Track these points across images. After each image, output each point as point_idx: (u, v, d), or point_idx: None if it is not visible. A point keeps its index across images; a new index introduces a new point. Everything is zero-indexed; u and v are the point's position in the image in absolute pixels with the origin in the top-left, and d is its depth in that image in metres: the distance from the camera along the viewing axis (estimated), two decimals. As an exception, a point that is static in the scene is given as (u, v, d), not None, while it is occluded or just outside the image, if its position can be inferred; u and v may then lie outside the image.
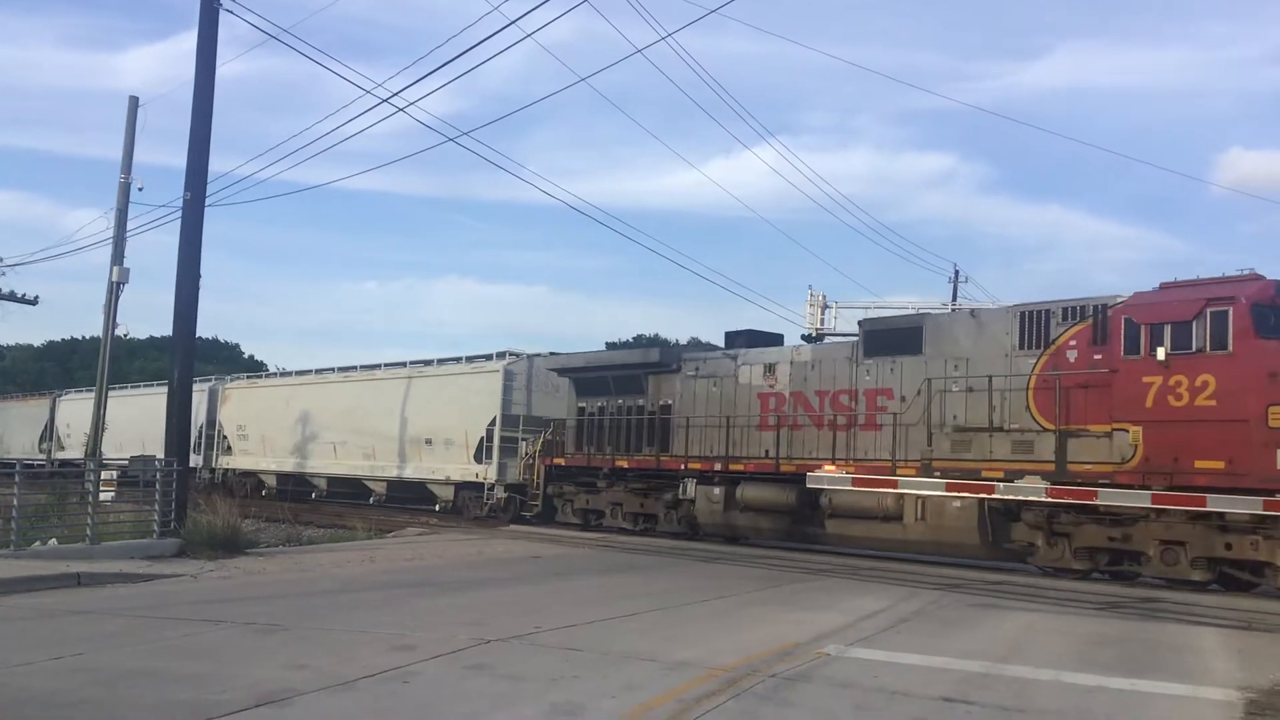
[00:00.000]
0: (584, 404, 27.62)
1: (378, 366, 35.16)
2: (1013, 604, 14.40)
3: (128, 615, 11.33)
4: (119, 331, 29.14)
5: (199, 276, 19.97)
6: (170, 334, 21.20)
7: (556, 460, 27.49)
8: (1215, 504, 15.99)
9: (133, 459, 36.98)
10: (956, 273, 42.60)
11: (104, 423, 29.41)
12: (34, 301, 34.64)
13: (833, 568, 18.66)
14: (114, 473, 22.97)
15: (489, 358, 30.97)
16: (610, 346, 30.90)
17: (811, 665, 9.34)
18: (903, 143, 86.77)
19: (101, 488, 18.89)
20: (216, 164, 20.72)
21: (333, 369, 37.43)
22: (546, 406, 30.07)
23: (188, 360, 20.66)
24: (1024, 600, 14.84)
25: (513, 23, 19.51)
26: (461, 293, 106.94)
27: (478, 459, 30.19)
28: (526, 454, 29.39)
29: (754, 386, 23.51)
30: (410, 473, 32.54)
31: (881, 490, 19.79)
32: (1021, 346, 18.90)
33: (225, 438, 41.95)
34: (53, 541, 17.01)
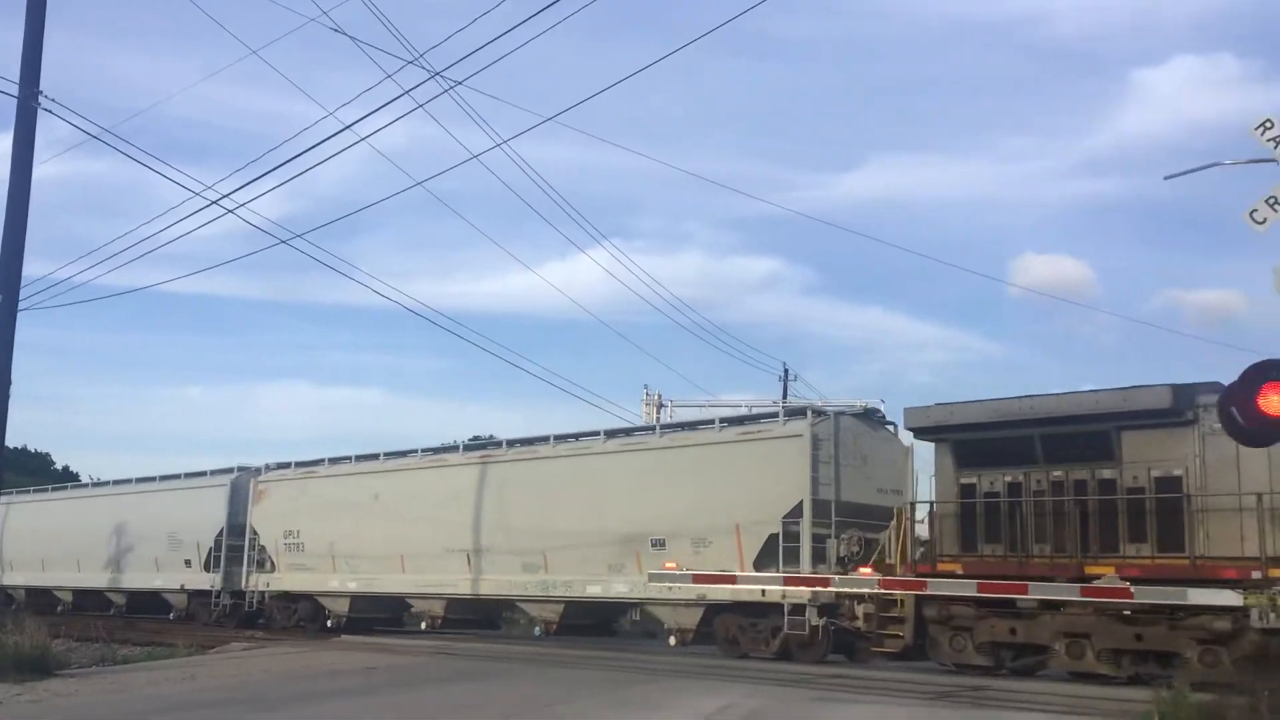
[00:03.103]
0: (971, 479, 18.52)
1: (544, 440, 25.08)
2: (852, 697, 14.60)
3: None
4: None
5: (9, 384, 18.97)
6: (-24, 445, 19.91)
7: (946, 565, 18.07)
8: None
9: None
10: (786, 371, 41.60)
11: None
12: None
13: (676, 668, 18.34)
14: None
15: (773, 417, 21.42)
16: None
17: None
18: (731, 247, 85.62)
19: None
20: (31, 268, 20.06)
21: (456, 447, 27.16)
22: (857, 487, 20.77)
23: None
24: (862, 693, 15.02)
25: (348, 127, 18.75)
26: (294, 396, 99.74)
27: (760, 566, 20.50)
28: (843, 557, 19.97)
29: (1386, 439, 14.65)
30: (623, 588, 22.49)
31: None
32: None
33: (262, 548, 30.96)
34: None
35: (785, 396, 40.36)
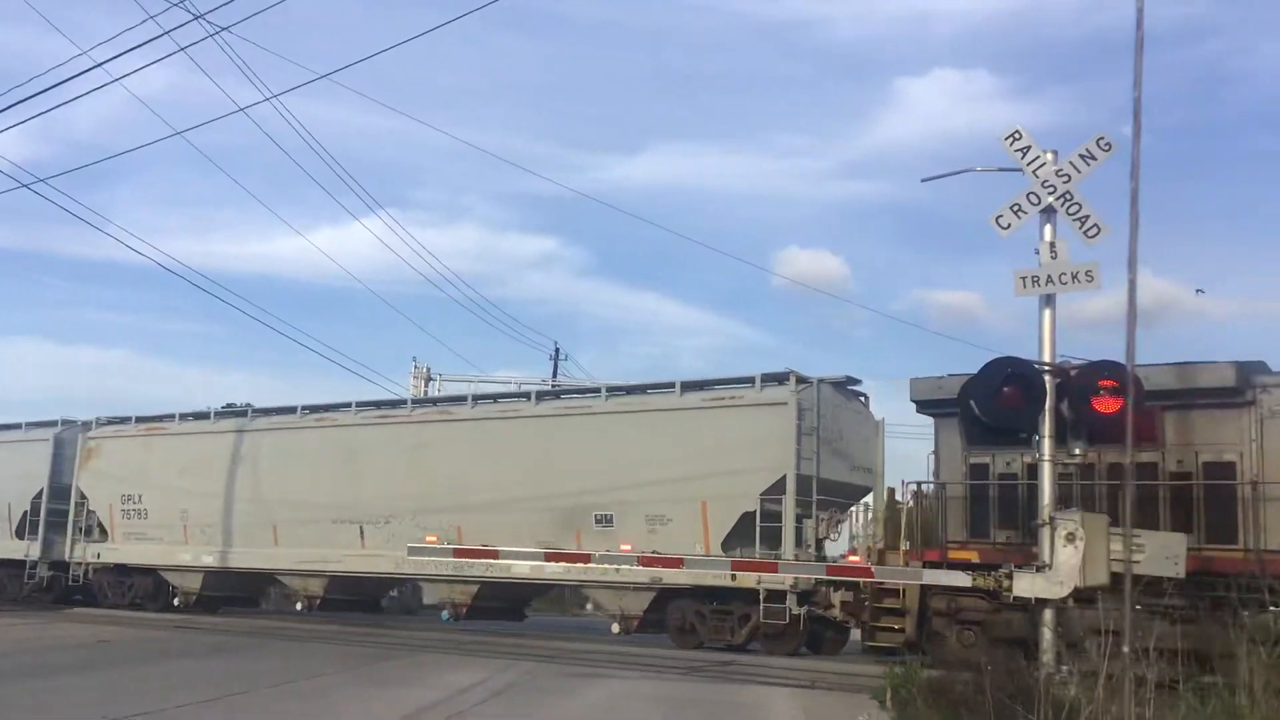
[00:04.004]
0: (983, 459, 16.92)
1: (461, 400, 22.26)
2: (606, 671, 14.93)
3: None
4: None
5: None
6: None
7: (957, 552, 16.37)
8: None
9: None
10: (557, 350, 41.72)
11: None
12: None
13: (431, 644, 18.23)
14: None
15: (744, 383, 19.25)
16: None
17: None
18: (510, 223, 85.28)
19: None
20: None
21: (349, 405, 23.91)
22: (833, 464, 18.97)
23: None
24: (616, 668, 15.36)
25: (99, 65, 17.17)
26: (34, 354, 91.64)
27: (729, 547, 18.46)
28: (821, 539, 18.19)
29: None
30: (558, 568, 19.94)
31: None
32: None
33: (93, 513, 26.86)
34: None
35: (555, 375, 40.43)
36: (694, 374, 18.62)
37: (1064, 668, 11.24)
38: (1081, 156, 12.46)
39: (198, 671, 14.09)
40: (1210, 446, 15.26)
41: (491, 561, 20.44)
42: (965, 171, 13.49)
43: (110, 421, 27.70)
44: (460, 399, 22.24)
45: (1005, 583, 12.80)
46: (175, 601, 25.58)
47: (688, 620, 18.93)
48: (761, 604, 17.72)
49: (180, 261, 39.70)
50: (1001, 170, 12.85)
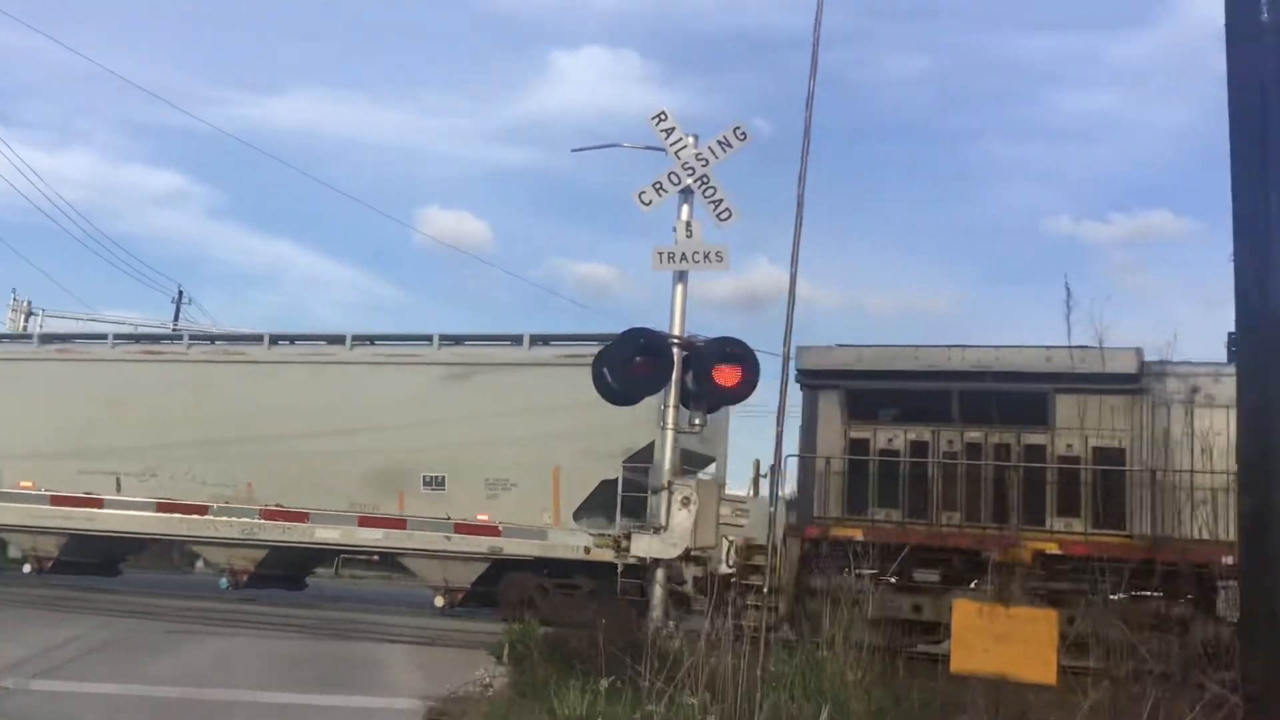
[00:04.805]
0: (864, 434, 16.35)
1: (257, 340, 19.47)
2: (213, 629, 14.44)
3: None
4: None
5: None
6: None
7: (843, 529, 15.71)
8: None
9: None
10: (180, 294, 40.80)
11: None
12: None
13: (13, 598, 17.08)
14: None
15: (607, 341, 17.72)
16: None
17: (-15, 701, 8.37)
18: (133, 155, 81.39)
19: None
20: None
21: (105, 337, 20.44)
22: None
23: None
24: (225, 626, 14.88)
25: None
26: None
27: (582, 517, 17.05)
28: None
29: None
30: (376, 534, 17.80)
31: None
32: None
33: None
34: None
35: (177, 319, 39.02)
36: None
37: (670, 623, 12.22)
38: (720, 143, 12.97)
39: None
40: (1101, 431, 15.27)
41: (287, 525, 18.14)
42: (612, 146, 13.95)
43: None
44: (255, 338, 19.46)
45: (624, 543, 14.08)
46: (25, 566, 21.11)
47: (526, 595, 17.27)
48: (619, 579, 16.34)
49: None
50: (647, 149, 13.18)
